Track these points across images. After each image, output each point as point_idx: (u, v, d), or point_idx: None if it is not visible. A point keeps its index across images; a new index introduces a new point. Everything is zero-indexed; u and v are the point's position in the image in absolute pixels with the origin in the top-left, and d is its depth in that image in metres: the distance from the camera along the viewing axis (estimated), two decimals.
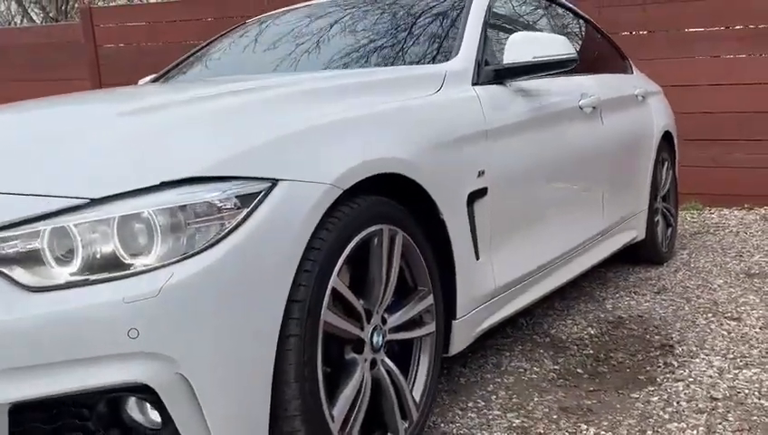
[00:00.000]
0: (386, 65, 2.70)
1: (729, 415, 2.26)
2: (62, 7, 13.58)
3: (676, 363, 2.68)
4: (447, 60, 2.60)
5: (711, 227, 5.21)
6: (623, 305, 3.43)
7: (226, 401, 1.55)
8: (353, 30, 2.93)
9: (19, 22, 14.87)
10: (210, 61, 3.32)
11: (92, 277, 1.50)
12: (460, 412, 2.37)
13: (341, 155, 1.82)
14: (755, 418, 2.25)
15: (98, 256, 1.52)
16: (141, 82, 3.62)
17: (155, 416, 1.56)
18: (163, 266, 1.50)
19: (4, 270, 1.51)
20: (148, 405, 1.56)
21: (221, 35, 3.58)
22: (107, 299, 1.46)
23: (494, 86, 2.62)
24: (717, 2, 5.91)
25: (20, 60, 9.11)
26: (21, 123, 2.03)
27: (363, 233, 1.87)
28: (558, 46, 2.66)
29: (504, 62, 2.64)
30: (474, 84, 2.55)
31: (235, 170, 1.62)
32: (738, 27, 5.95)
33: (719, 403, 2.35)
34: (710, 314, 3.23)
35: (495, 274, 2.46)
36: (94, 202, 1.53)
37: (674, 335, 2.98)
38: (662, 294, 3.60)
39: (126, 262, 1.52)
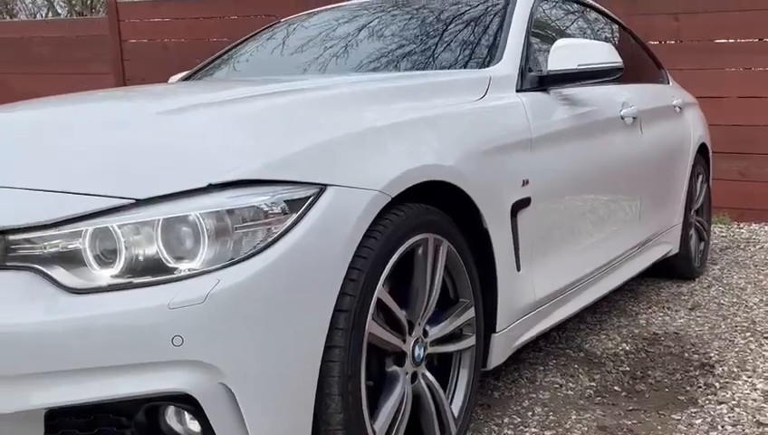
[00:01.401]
0: (429, 68, 2.64)
1: None
2: (88, 1, 13.62)
3: (717, 385, 2.60)
4: (491, 65, 2.53)
5: (741, 242, 5.11)
6: (657, 321, 3.34)
7: (270, 414, 1.49)
8: (393, 33, 2.87)
9: (44, 15, 14.93)
10: (242, 62, 3.27)
11: (135, 280, 1.45)
12: (496, 428, 2.30)
13: (390, 161, 1.76)
14: None
15: (141, 258, 1.47)
16: (172, 79, 3.57)
17: (194, 426, 1.50)
18: (209, 272, 1.45)
19: (45, 270, 1.46)
20: (188, 415, 1.50)
21: (254, 34, 3.53)
22: (151, 304, 1.41)
23: (538, 93, 2.56)
24: (750, 14, 5.81)
25: (44, 53, 9.12)
26: (61, 119, 1.98)
27: (409, 242, 1.81)
28: (603, 54, 2.59)
29: (549, 68, 2.57)
30: (518, 91, 2.48)
31: (284, 175, 1.56)
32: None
33: (767, 429, 2.27)
34: (748, 334, 3.15)
35: (535, 286, 2.40)
36: (139, 203, 1.48)
37: (712, 355, 2.90)
38: (696, 310, 3.51)
39: (170, 266, 1.47)
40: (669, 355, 2.90)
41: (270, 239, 1.49)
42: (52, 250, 1.47)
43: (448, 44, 2.73)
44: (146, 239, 1.47)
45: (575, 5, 3.43)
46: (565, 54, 2.56)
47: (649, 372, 2.73)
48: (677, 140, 3.79)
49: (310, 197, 1.57)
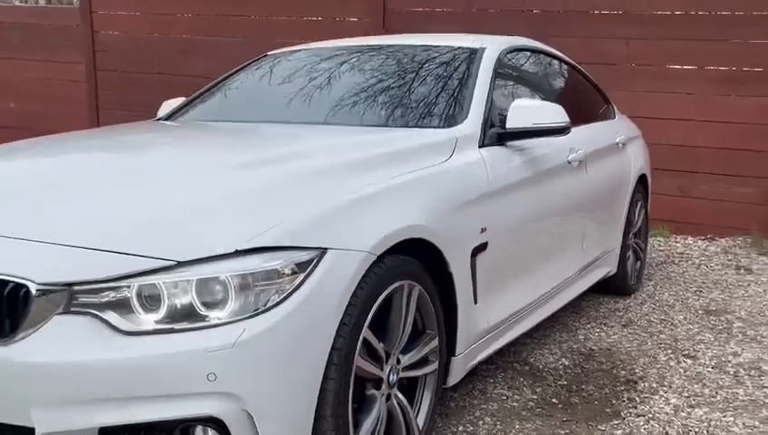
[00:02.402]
0: (400, 122, 3.03)
1: None
2: None
3: (638, 399, 3.08)
4: (457, 123, 2.93)
5: (676, 257, 5.64)
6: (594, 337, 3.82)
7: (279, 433, 1.89)
8: (369, 83, 3.26)
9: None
10: (229, 99, 3.63)
11: (176, 326, 1.83)
12: None
13: (377, 225, 2.16)
14: None
15: (179, 307, 1.85)
16: (166, 104, 3.89)
17: None
18: (237, 321, 1.83)
19: (102, 315, 1.83)
20: (211, 432, 1.89)
21: (238, 70, 3.87)
22: (191, 347, 1.79)
23: (497, 147, 2.97)
24: (696, 44, 6.35)
25: (13, 37, 9.25)
26: (103, 178, 2.33)
27: (389, 289, 2.21)
28: (554, 114, 3.01)
29: (507, 126, 2.98)
30: (480, 146, 2.89)
31: (294, 241, 1.95)
32: (711, 68, 6.41)
33: None
34: (669, 351, 3.64)
35: (489, 315, 2.83)
36: (180, 264, 1.86)
37: (637, 371, 3.38)
38: (629, 327, 4.00)
39: (202, 314, 1.85)
40: (601, 371, 3.37)
41: (284, 295, 1.89)
42: (107, 299, 1.84)
43: (420, 100, 3.13)
44: (183, 293, 1.85)
45: (529, 54, 3.85)
46: (522, 114, 2.98)
47: (583, 386, 3.20)
48: (619, 174, 4.26)
49: (314, 259, 1.96)
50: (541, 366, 3.40)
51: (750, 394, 3.15)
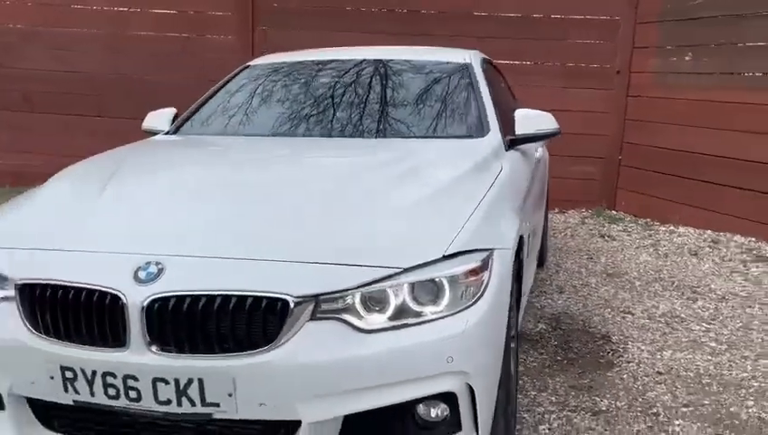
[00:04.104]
0: (441, 135, 3.48)
1: (677, 383, 3.43)
2: None
3: (620, 350, 3.82)
4: (484, 133, 3.43)
5: (549, 230, 6.57)
6: (545, 304, 4.54)
7: (486, 399, 2.31)
8: (392, 100, 3.67)
9: None
10: (270, 112, 3.79)
11: (409, 321, 2.18)
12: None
13: (507, 226, 2.63)
14: (695, 385, 3.43)
15: (403, 306, 2.20)
16: (153, 115, 3.95)
17: (434, 412, 2.28)
18: (456, 313, 2.22)
19: (344, 318, 2.15)
20: (433, 409, 2.27)
21: (244, 80, 4.04)
22: (431, 338, 2.16)
23: (512, 151, 3.52)
24: (548, 43, 7.38)
25: None
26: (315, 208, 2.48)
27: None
28: (550, 121, 3.63)
29: (517, 133, 3.55)
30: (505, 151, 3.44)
31: (478, 244, 2.37)
32: (556, 64, 7.49)
33: (665, 376, 3.51)
34: (609, 310, 4.46)
35: (531, 269, 3.40)
36: (404, 270, 2.21)
37: (600, 328, 4.14)
38: (563, 293, 4.78)
39: (421, 310, 2.21)
40: (576, 330, 4.09)
41: (483, 288, 2.30)
42: (344, 305, 2.16)
43: (445, 113, 3.60)
44: (406, 293, 2.21)
45: (487, 64, 4.44)
46: (526, 122, 3.56)
47: (571, 345, 3.88)
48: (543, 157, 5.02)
49: (489, 257, 2.40)
50: (529, 333, 4.04)
51: (687, 336, 4.03)
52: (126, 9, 7.91)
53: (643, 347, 3.86)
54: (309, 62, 4.06)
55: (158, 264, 2.15)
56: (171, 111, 3.92)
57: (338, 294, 2.14)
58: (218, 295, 2.08)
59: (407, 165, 2.90)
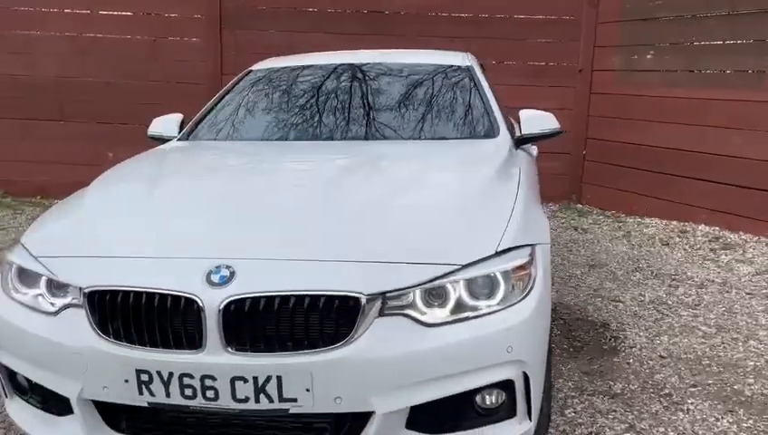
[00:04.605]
0: (456, 136, 3.61)
1: (680, 365, 3.64)
2: None
3: (621, 337, 4.01)
4: (495, 134, 3.58)
5: None
6: None
7: (537, 385, 2.44)
8: (405, 103, 3.78)
9: None
10: (285, 117, 3.86)
11: (469, 314, 2.30)
12: None
13: (540, 224, 2.76)
14: (697, 366, 3.64)
15: (461, 300, 2.31)
16: (159, 120, 3.96)
17: (490, 400, 2.40)
18: (511, 306, 2.34)
19: (409, 313, 2.25)
20: (488, 397, 2.39)
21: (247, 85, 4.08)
22: (493, 329, 2.28)
23: (520, 150, 3.68)
24: (512, 42, 7.59)
25: None
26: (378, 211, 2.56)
27: None
28: (552, 121, 3.80)
29: (523, 132, 3.71)
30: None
31: (523, 241, 2.49)
32: (520, 63, 7.72)
33: (668, 359, 3.71)
34: (599, 298, 4.66)
35: None
36: (462, 267, 2.33)
37: (595, 316, 4.33)
38: (554, 285, 4.95)
39: (478, 304, 2.33)
40: (576, 320, 4.27)
41: (532, 281, 2.44)
42: (410, 301, 2.26)
43: (457, 115, 3.73)
44: (464, 288, 2.32)
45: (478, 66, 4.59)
46: (531, 122, 3.72)
47: (574, 334, 4.06)
48: None
49: (533, 252, 2.53)
50: None
51: (678, 322, 4.26)
52: (89, 12, 7.79)
53: (641, 333, 4.06)
54: (316, 65, 4.13)
55: (228, 267, 2.21)
56: (178, 116, 3.94)
57: (403, 291, 2.24)
58: (292, 296, 2.16)
59: (443, 166, 3.01)
